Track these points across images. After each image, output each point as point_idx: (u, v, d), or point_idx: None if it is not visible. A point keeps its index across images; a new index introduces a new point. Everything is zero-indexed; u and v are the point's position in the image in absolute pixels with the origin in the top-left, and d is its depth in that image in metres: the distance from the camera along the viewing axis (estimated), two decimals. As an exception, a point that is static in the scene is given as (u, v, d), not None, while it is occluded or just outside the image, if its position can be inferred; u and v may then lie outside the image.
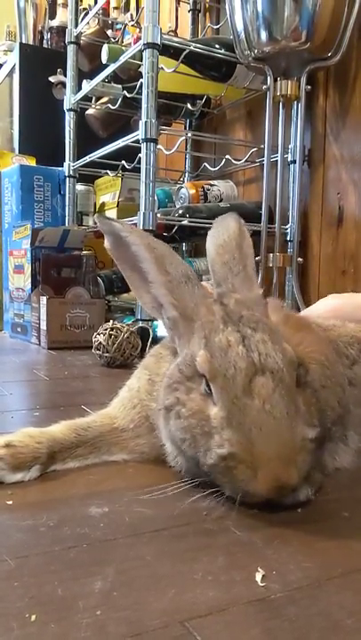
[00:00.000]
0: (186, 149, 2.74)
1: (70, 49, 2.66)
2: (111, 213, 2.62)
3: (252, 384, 0.63)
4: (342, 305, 1.11)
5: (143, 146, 1.95)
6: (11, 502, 0.68)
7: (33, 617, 0.45)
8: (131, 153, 2.19)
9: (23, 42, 3.47)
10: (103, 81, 2.37)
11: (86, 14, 2.66)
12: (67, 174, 2.69)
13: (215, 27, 2.56)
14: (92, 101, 2.69)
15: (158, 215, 2.02)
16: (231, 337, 0.66)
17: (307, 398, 0.68)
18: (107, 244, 0.81)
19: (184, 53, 2.02)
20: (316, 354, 0.78)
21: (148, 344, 1.79)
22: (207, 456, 0.65)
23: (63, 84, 2.84)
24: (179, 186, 2.45)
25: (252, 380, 0.63)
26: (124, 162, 2.32)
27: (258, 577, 0.52)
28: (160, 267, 0.75)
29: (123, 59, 2.16)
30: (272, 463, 0.60)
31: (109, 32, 2.83)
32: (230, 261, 0.81)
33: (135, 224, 1.89)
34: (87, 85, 2.48)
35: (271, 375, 0.63)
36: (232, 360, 0.64)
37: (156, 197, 2.06)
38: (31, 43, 3.51)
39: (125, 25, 2.64)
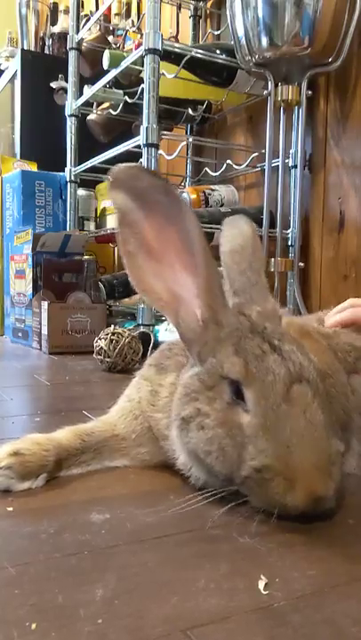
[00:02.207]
0: (187, 154, 2.75)
1: (72, 55, 2.67)
2: (112, 219, 2.62)
3: (290, 392, 0.61)
4: None
5: (144, 151, 1.96)
6: (11, 509, 0.68)
7: (33, 625, 0.45)
8: (132, 158, 2.19)
9: (25, 48, 3.49)
10: (104, 86, 2.38)
11: (88, 20, 2.67)
12: (68, 179, 2.69)
13: (216, 32, 2.57)
14: (94, 107, 2.70)
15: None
16: (263, 345, 0.65)
17: (328, 409, 0.67)
18: (125, 203, 0.65)
19: (185, 59, 2.03)
20: (321, 362, 0.78)
21: (150, 349, 1.79)
22: (240, 468, 0.62)
23: (64, 90, 2.85)
24: (180, 191, 2.45)
25: (290, 388, 0.61)
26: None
27: (261, 585, 0.51)
28: (208, 260, 0.67)
29: (124, 64, 2.16)
30: (310, 475, 0.58)
31: (111, 38, 2.84)
32: (247, 270, 0.78)
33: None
34: (88, 91, 2.49)
35: (308, 384, 0.63)
36: (270, 366, 0.63)
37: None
38: (33, 49, 3.53)
39: (127, 31, 2.66)
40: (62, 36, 3.20)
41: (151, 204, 0.65)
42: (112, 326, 1.78)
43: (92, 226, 2.88)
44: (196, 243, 0.66)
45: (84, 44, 2.70)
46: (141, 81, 2.08)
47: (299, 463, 0.58)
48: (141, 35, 2.12)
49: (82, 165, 2.61)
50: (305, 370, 0.64)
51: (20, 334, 2.46)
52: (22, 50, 3.23)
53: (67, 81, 2.74)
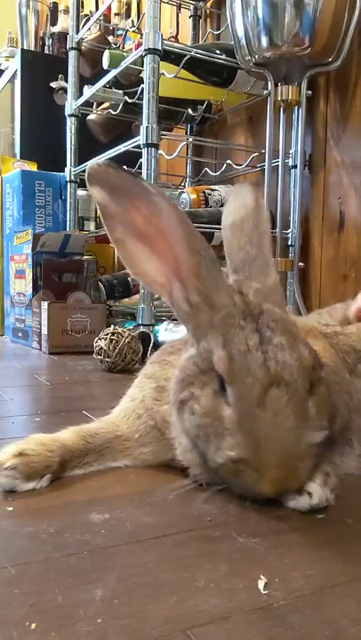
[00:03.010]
0: (187, 154, 2.75)
1: (72, 55, 2.67)
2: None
3: (266, 395, 0.63)
4: None
5: (144, 151, 1.96)
6: (11, 509, 0.68)
7: (33, 625, 0.45)
8: (132, 158, 2.20)
9: (25, 48, 3.49)
10: (104, 86, 2.38)
11: (87, 20, 2.67)
12: (68, 179, 2.69)
13: (216, 32, 2.57)
14: (94, 107, 2.70)
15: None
16: (250, 339, 0.66)
17: (319, 399, 0.68)
18: (102, 196, 0.69)
19: (185, 59, 2.03)
20: (326, 359, 0.78)
21: (150, 349, 1.79)
22: (217, 455, 0.66)
23: (64, 90, 2.85)
24: (180, 191, 2.45)
25: (266, 392, 0.63)
26: (125, 167, 2.32)
27: (260, 584, 0.51)
28: (191, 245, 0.69)
29: (124, 64, 2.16)
30: (276, 470, 0.63)
31: (110, 38, 2.84)
32: (247, 245, 0.77)
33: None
34: (88, 91, 2.49)
35: (286, 387, 0.64)
36: (250, 367, 0.64)
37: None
38: (33, 49, 3.53)
39: (127, 31, 2.65)
40: (62, 36, 3.20)
41: (126, 195, 0.68)
42: (112, 326, 1.78)
43: (91, 226, 2.88)
44: (175, 229, 0.68)
45: (84, 43, 2.70)
46: (141, 81, 2.08)
47: (267, 460, 0.63)
48: (141, 35, 2.12)
49: (82, 165, 2.61)
50: (286, 369, 0.64)
51: (20, 334, 2.47)
52: (22, 50, 3.23)
53: (67, 81, 2.74)
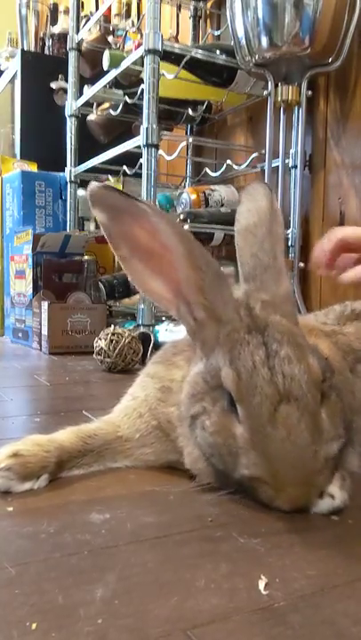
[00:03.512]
0: (187, 155, 2.75)
1: (72, 55, 2.67)
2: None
3: (277, 413, 0.63)
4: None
5: (144, 151, 1.96)
6: (11, 509, 0.68)
7: (34, 625, 0.44)
8: (132, 158, 2.20)
9: (25, 48, 3.49)
10: (104, 87, 2.38)
11: (88, 21, 2.67)
12: (68, 180, 2.69)
13: (216, 33, 2.57)
14: (94, 107, 2.70)
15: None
16: (256, 355, 0.65)
17: (331, 407, 0.68)
18: (104, 217, 0.70)
19: (185, 59, 2.03)
20: (330, 359, 0.78)
21: (150, 349, 1.79)
22: (235, 473, 0.66)
23: (64, 90, 2.85)
24: (180, 191, 2.45)
25: (276, 409, 0.63)
26: (125, 167, 2.33)
27: (261, 585, 0.51)
28: (192, 262, 0.69)
29: (124, 65, 2.17)
30: (292, 488, 0.63)
31: (111, 38, 2.84)
32: (259, 252, 0.76)
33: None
34: (88, 91, 2.49)
35: (296, 403, 0.63)
36: (258, 385, 0.64)
37: (157, 202, 2.06)
38: (33, 49, 3.53)
39: (127, 31, 2.65)
40: (62, 37, 3.20)
41: (129, 213, 0.69)
42: (112, 326, 1.78)
43: (92, 226, 2.88)
44: (176, 247, 0.69)
45: (84, 44, 2.70)
46: (141, 81, 2.08)
47: (283, 478, 0.63)
48: (141, 35, 2.12)
49: (82, 166, 2.61)
50: (295, 385, 0.64)
51: (20, 334, 2.46)
52: (22, 50, 3.23)
53: (67, 81, 2.74)
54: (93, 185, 0.69)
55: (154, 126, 1.94)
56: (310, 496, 0.64)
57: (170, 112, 2.43)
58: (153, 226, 0.69)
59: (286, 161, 2.06)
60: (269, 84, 1.91)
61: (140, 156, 2.01)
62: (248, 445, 0.64)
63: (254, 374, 0.64)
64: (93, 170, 2.57)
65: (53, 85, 3.00)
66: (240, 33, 1.88)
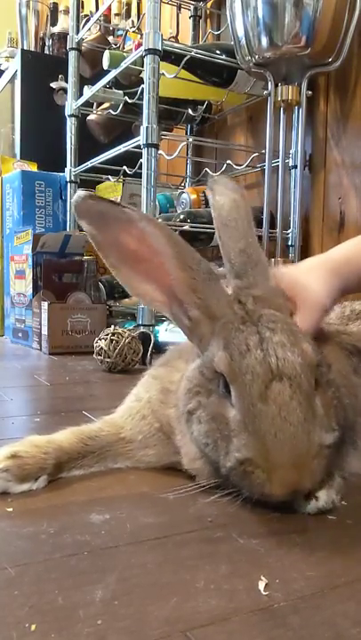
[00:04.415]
0: (187, 155, 2.75)
1: (72, 55, 2.67)
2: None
3: (268, 390, 0.62)
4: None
5: (144, 151, 1.95)
6: (11, 510, 0.68)
7: (33, 626, 0.44)
8: (132, 158, 2.19)
9: (25, 48, 3.49)
10: (104, 87, 2.38)
11: (88, 21, 2.67)
12: (68, 180, 2.69)
13: (216, 33, 2.57)
14: (94, 107, 2.70)
15: (160, 220, 2.02)
16: (250, 340, 0.65)
17: (327, 400, 0.68)
18: (90, 227, 0.71)
19: (185, 59, 2.03)
20: (333, 360, 0.78)
21: (150, 349, 1.79)
22: (226, 459, 0.65)
23: (64, 90, 2.84)
24: (180, 191, 2.45)
25: (268, 387, 0.62)
26: (125, 167, 2.32)
27: (261, 586, 0.51)
28: (182, 262, 0.71)
29: (124, 65, 2.16)
30: (285, 469, 0.61)
31: (111, 38, 2.84)
32: (248, 248, 0.77)
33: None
34: (88, 91, 2.49)
35: (289, 381, 0.63)
36: (250, 364, 0.64)
37: (157, 202, 2.06)
38: (33, 49, 3.53)
39: (127, 31, 2.65)
40: (62, 37, 3.20)
41: (116, 220, 0.70)
42: (112, 326, 1.78)
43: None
44: (164, 250, 0.70)
45: (84, 44, 2.70)
46: (141, 81, 2.08)
47: (275, 458, 0.61)
48: (141, 35, 2.12)
49: (82, 166, 2.61)
50: (288, 365, 0.64)
51: (20, 335, 2.46)
52: (22, 50, 3.23)
53: (67, 81, 2.74)
54: (78, 195, 0.70)
55: (154, 126, 1.94)
56: (304, 481, 0.62)
57: (170, 112, 2.43)
58: (141, 231, 0.70)
59: (286, 161, 2.06)
60: (269, 83, 1.91)
61: (140, 155, 2.01)
62: (240, 427, 0.63)
63: (247, 355, 0.64)
64: (93, 170, 2.57)
65: (53, 85, 2.99)
66: (240, 33, 1.88)
